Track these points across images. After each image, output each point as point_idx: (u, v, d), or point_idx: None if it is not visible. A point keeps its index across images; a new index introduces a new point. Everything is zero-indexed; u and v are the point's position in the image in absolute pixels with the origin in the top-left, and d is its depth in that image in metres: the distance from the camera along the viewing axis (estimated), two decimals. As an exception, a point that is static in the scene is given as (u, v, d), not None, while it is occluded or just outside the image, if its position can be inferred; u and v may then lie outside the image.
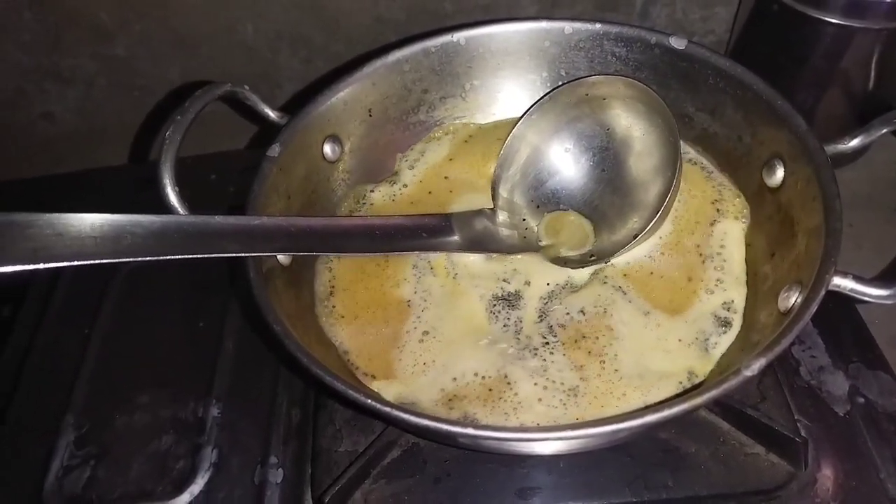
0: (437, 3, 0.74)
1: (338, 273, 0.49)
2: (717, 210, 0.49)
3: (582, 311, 0.46)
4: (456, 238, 0.48)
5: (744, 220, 0.48)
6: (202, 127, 0.50)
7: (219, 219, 0.40)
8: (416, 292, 0.48)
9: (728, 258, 0.47)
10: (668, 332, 0.44)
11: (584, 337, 0.44)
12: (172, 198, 0.42)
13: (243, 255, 0.40)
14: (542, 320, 0.46)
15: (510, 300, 0.47)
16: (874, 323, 0.53)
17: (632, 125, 0.50)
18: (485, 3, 0.73)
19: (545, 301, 0.47)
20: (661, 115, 0.47)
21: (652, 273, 0.47)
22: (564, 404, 0.42)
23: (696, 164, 0.51)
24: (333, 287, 0.48)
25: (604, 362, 0.43)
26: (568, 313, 0.46)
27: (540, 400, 0.42)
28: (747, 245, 0.47)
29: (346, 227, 0.47)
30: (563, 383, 0.43)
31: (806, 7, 0.60)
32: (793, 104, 0.44)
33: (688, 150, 0.51)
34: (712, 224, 0.48)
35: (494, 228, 0.50)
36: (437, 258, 0.49)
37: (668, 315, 0.45)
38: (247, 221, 0.41)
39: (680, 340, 0.44)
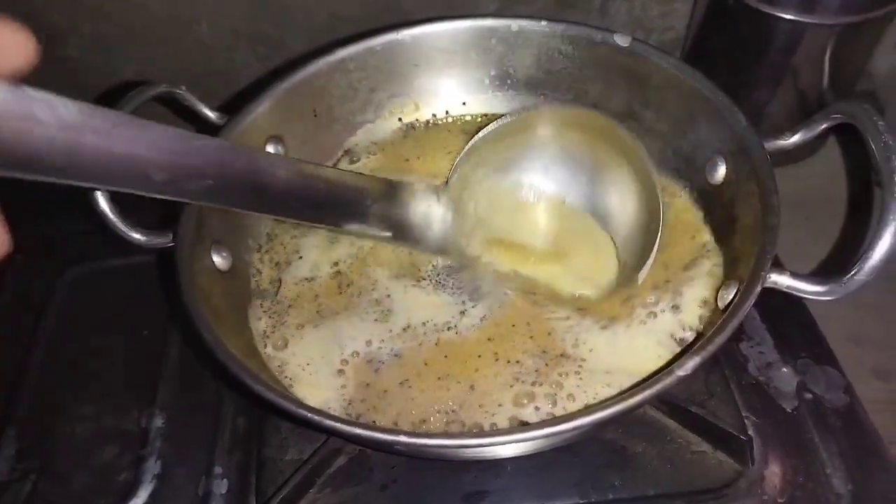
0: (396, -1, 0.73)
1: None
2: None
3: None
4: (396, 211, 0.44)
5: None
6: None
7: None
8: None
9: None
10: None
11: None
12: (103, 203, 0.40)
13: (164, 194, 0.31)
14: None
15: None
16: (829, 318, 0.53)
17: (598, 159, 0.48)
18: (443, -1, 0.72)
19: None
20: (630, 149, 0.45)
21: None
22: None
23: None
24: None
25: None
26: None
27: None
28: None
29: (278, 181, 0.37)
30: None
31: (759, 3, 0.60)
32: (747, 100, 0.43)
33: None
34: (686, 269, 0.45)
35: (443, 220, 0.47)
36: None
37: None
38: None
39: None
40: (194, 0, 0.73)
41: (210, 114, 0.47)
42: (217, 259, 0.43)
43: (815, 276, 0.36)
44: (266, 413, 0.48)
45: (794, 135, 0.42)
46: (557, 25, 0.49)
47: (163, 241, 0.41)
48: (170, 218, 0.41)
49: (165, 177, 0.31)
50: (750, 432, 0.45)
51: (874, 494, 0.43)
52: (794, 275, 0.36)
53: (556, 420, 0.32)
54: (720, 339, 0.33)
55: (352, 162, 0.53)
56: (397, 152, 0.53)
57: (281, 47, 0.77)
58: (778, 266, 0.36)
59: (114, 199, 0.41)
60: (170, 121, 0.65)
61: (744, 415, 0.45)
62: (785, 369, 0.48)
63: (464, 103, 0.55)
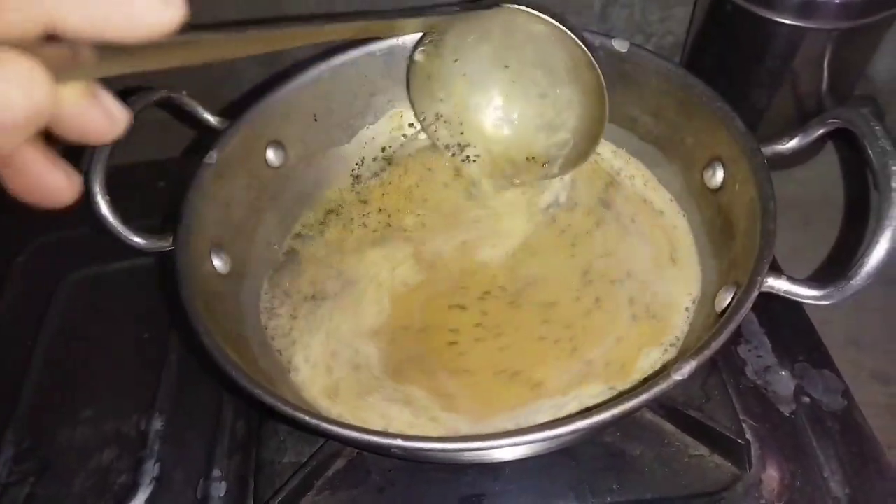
0: (396, 4, 0.73)
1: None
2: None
3: None
4: None
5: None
6: (154, 132, 0.48)
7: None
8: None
9: None
10: None
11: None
12: (103, 207, 0.41)
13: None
14: None
15: None
16: (828, 321, 0.53)
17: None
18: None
19: None
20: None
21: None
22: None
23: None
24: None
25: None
26: None
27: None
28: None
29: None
30: None
31: (758, 7, 0.60)
32: (747, 104, 0.43)
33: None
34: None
35: None
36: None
37: None
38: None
39: None
40: (193, 5, 0.73)
41: (211, 119, 0.47)
42: (217, 262, 0.43)
43: (813, 280, 0.36)
44: (264, 416, 0.48)
45: (791, 140, 0.42)
46: (556, 30, 0.49)
47: (163, 244, 0.41)
48: (169, 221, 0.42)
49: None
50: (747, 436, 0.45)
51: (872, 498, 0.43)
52: (792, 279, 0.36)
53: (552, 423, 0.33)
54: (717, 344, 0.33)
55: (355, 165, 0.54)
56: (398, 155, 0.54)
57: (283, 54, 0.77)
58: (775, 270, 0.36)
59: (114, 203, 0.41)
60: (171, 125, 0.66)
61: (741, 418, 0.46)
62: (783, 373, 0.48)
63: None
